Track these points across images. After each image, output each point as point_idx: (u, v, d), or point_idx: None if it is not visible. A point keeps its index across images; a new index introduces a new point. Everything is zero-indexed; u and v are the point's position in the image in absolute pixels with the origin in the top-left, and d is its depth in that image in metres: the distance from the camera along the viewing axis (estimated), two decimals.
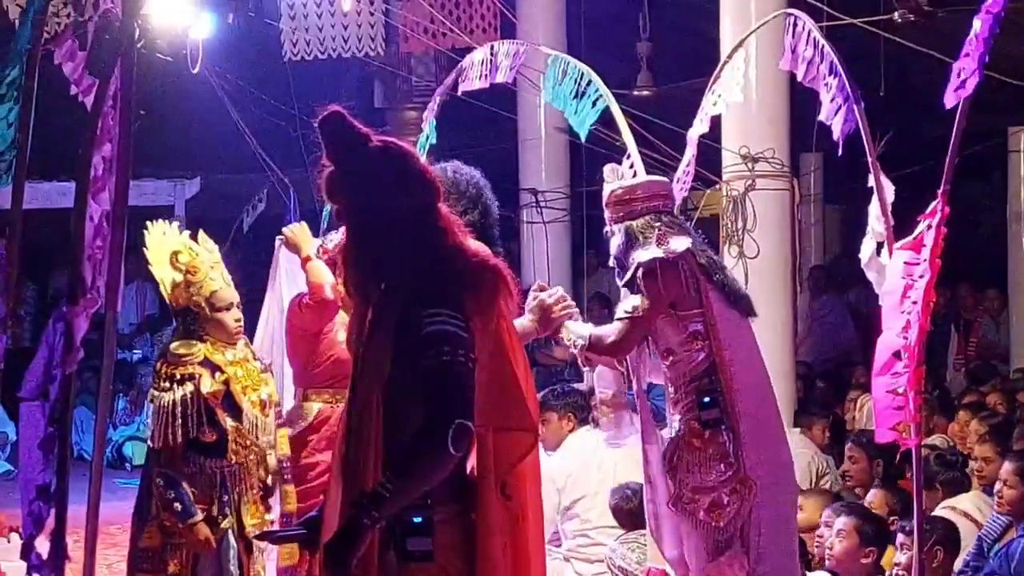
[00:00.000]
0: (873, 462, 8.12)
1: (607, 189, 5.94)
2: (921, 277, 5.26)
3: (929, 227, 5.26)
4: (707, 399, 5.51)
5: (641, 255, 5.62)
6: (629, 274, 5.70)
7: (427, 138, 8.42)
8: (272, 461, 6.23)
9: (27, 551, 5.14)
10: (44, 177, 13.17)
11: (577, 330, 5.68)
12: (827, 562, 6.42)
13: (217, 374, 5.97)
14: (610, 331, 5.68)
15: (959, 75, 5.01)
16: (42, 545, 5.12)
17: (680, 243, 5.59)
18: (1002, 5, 4.87)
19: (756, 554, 5.49)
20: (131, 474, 13.08)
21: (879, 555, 6.29)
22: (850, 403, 10.67)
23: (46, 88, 5.50)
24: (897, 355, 5.36)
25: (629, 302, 5.65)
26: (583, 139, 7.65)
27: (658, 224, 5.69)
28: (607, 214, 5.91)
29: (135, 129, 5.18)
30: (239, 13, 10.32)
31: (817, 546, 6.82)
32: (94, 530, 5.17)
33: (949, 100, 5.08)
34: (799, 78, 6.10)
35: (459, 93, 8.31)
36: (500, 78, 7.98)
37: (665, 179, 6.26)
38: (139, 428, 13.93)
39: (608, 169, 6.11)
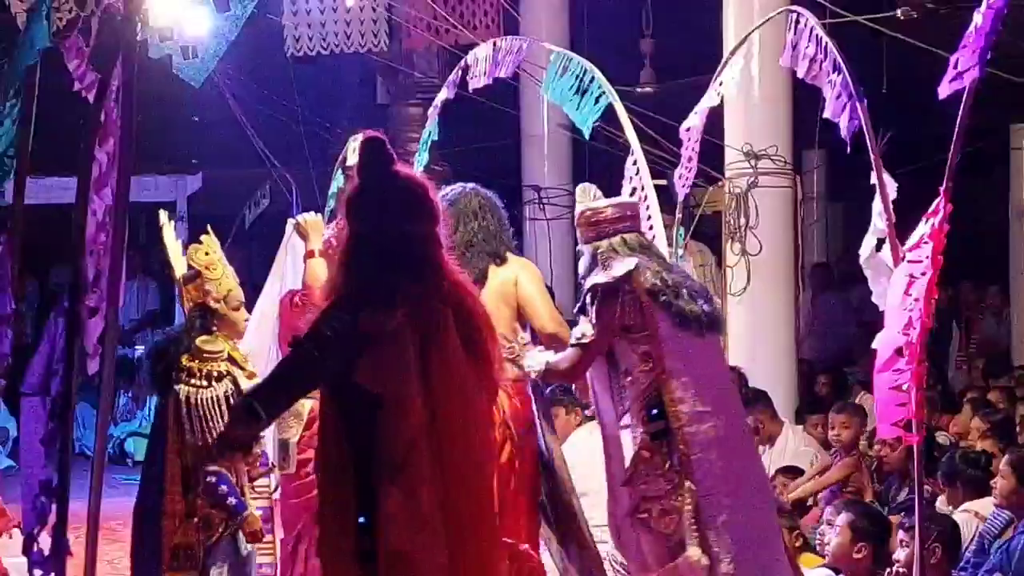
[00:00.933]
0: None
1: (578, 209, 6.01)
2: (923, 274, 5.25)
3: (932, 224, 5.25)
4: (654, 411, 5.62)
5: (589, 281, 5.75)
6: (581, 300, 5.83)
7: (429, 134, 8.43)
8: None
9: (29, 546, 5.14)
10: (45, 173, 13.15)
11: (536, 358, 5.91)
12: (825, 556, 6.43)
13: (240, 371, 6.01)
14: (562, 358, 5.82)
15: (955, 67, 5.00)
16: (44, 541, 5.13)
17: (621, 267, 5.67)
18: (1004, 1, 4.86)
19: (713, 553, 5.54)
20: (132, 470, 13.08)
21: (875, 551, 6.23)
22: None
23: (47, 83, 5.50)
24: (899, 352, 5.36)
25: (579, 328, 5.75)
26: (586, 136, 7.65)
27: (622, 247, 5.78)
28: (578, 233, 5.99)
29: (137, 125, 5.17)
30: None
31: (818, 543, 6.83)
32: (95, 526, 5.17)
33: (943, 90, 5.07)
34: (800, 75, 6.11)
35: (470, 90, 8.31)
36: (501, 73, 7.99)
37: (635, 200, 6.31)
38: (141, 424, 13.93)
39: (580, 189, 6.15)
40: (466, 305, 4.58)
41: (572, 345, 5.75)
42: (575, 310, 5.91)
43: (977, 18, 4.92)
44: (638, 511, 5.67)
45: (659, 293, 5.63)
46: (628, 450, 5.74)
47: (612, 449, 5.88)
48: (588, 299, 5.69)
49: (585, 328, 5.68)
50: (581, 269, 5.93)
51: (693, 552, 5.52)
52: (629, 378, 5.71)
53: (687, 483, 5.53)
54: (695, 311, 5.67)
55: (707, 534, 5.52)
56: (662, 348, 5.59)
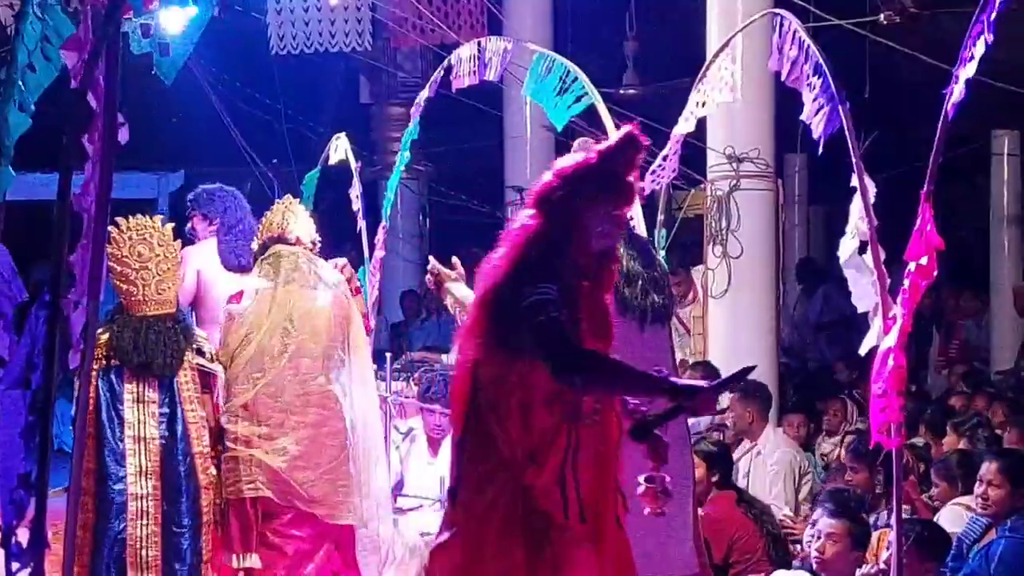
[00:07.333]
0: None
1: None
2: (908, 277, 5.28)
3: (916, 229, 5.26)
4: None
5: None
6: None
7: (410, 134, 8.44)
8: None
9: (7, 539, 5.13)
10: (24, 169, 13.12)
11: (460, 295, 5.83)
12: (814, 564, 6.35)
13: None
14: None
15: (956, 79, 4.99)
16: (22, 534, 5.11)
17: None
18: (1001, 7, 4.82)
19: None
20: None
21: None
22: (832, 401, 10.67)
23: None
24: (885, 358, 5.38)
25: None
26: (559, 130, 7.66)
27: None
28: None
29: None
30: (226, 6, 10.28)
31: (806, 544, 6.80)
32: (74, 521, 5.16)
33: (951, 107, 5.05)
34: (783, 78, 6.11)
35: (453, 90, 8.31)
36: (490, 76, 7.98)
37: None
38: None
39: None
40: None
41: None
42: None
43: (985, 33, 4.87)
44: None
45: None
46: None
47: None
48: None
49: None
50: None
51: None
52: None
53: None
54: (642, 304, 5.87)
55: None
56: None
